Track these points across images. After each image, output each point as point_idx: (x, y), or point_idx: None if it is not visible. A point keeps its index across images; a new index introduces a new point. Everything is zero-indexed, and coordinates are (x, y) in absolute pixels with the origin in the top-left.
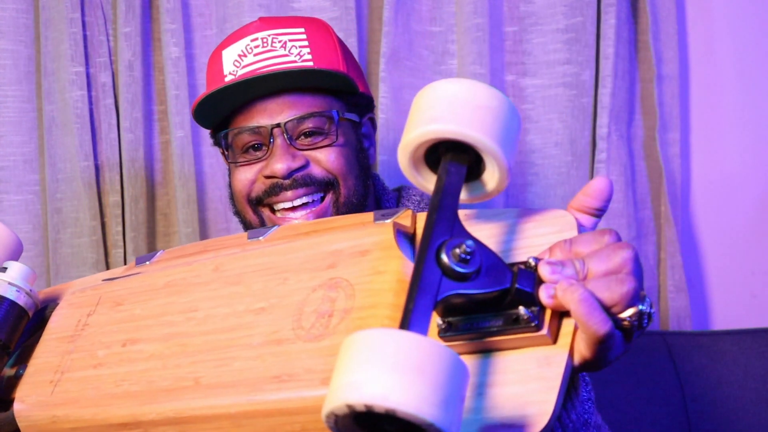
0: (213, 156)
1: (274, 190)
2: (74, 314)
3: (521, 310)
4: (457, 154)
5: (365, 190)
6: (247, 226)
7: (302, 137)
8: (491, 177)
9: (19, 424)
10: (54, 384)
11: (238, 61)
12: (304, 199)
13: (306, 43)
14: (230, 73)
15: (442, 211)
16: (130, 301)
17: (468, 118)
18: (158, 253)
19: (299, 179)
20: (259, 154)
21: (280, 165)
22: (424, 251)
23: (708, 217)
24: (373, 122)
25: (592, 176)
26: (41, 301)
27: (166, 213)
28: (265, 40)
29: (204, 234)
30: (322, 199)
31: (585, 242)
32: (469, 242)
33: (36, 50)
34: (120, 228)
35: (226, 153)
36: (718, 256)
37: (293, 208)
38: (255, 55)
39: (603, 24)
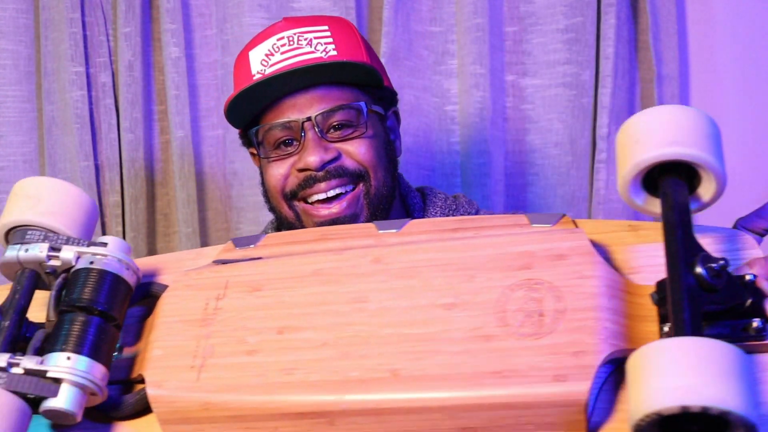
0: (213, 156)
1: (308, 182)
2: (198, 297)
3: (755, 321)
4: (675, 174)
5: (393, 182)
6: (282, 221)
7: (332, 130)
8: (707, 191)
9: (156, 410)
10: (198, 369)
11: (266, 60)
12: (338, 190)
13: (331, 39)
14: (258, 72)
15: (685, 227)
16: (272, 287)
17: (703, 142)
18: (261, 237)
19: (332, 171)
20: (290, 149)
21: (313, 157)
22: (678, 264)
23: (708, 217)
24: (397, 116)
25: (592, 176)
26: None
27: (166, 213)
28: (291, 38)
29: (204, 234)
30: (353, 189)
31: None
32: (725, 259)
33: (36, 50)
34: (120, 228)
35: (257, 151)
36: None
37: (327, 200)
38: (282, 53)
39: (603, 24)
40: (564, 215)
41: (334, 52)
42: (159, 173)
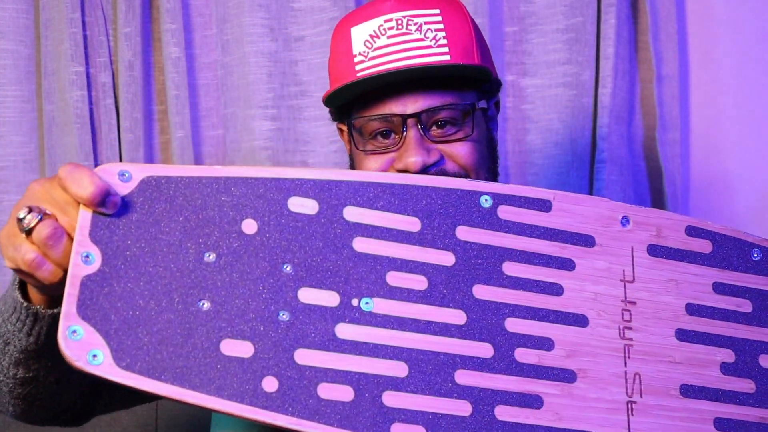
0: (213, 156)
1: None
2: None
3: None
4: None
5: (495, 180)
6: None
7: (435, 128)
8: None
9: None
10: None
11: (370, 42)
12: None
13: (441, 26)
14: (360, 54)
15: None
16: None
17: None
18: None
19: (433, 174)
20: (388, 142)
21: (414, 159)
22: None
23: (708, 217)
24: (497, 105)
25: (592, 176)
26: None
27: None
28: (399, 21)
29: None
30: None
31: None
32: None
33: (36, 50)
34: None
35: (351, 138)
36: None
37: None
38: (389, 37)
39: (603, 24)
40: None
41: (444, 42)
42: None
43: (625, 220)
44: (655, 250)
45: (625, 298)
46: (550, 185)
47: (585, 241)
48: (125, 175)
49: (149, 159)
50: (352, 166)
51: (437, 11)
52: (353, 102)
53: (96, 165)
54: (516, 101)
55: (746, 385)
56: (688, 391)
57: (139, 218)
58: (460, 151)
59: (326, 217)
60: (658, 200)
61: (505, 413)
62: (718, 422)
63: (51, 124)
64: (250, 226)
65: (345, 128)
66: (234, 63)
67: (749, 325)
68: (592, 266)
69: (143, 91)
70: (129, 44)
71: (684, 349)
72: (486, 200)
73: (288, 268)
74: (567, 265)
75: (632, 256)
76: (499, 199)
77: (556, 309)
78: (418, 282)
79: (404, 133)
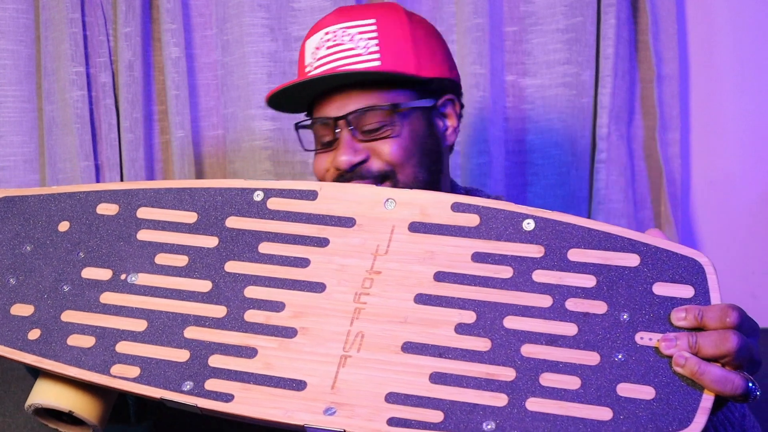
0: (213, 156)
1: (339, 181)
2: None
3: None
4: None
5: (431, 174)
6: None
7: (365, 128)
8: None
9: None
10: None
11: (315, 53)
12: None
13: (375, 34)
14: (309, 65)
15: None
16: None
17: None
18: None
19: (358, 173)
20: (328, 142)
21: (342, 158)
22: None
23: (708, 217)
24: (454, 102)
25: (592, 176)
26: None
27: None
28: (335, 33)
29: None
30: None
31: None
32: None
33: (36, 50)
34: None
35: (300, 140)
36: (717, 256)
37: None
38: (327, 48)
39: (603, 24)
40: None
41: (376, 49)
42: (159, 173)
43: (389, 203)
44: (416, 227)
45: (372, 268)
46: (550, 185)
47: (345, 222)
48: None
49: (149, 159)
50: None
51: (373, 21)
52: (311, 106)
53: (96, 165)
54: (516, 101)
55: (480, 344)
56: (409, 347)
57: None
58: (384, 148)
59: (123, 216)
60: (658, 200)
61: (217, 361)
62: (434, 376)
63: (51, 124)
64: (64, 226)
65: None
66: (234, 63)
67: (503, 290)
68: (346, 243)
69: (143, 91)
70: (129, 44)
71: (420, 311)
72: (258, 195)
73: (82, 254)
74: (321, 243)
75: (391, 233)
76: (270, 193)
77: (298, 278)
78: (179, 260)
79: (337, 135)
